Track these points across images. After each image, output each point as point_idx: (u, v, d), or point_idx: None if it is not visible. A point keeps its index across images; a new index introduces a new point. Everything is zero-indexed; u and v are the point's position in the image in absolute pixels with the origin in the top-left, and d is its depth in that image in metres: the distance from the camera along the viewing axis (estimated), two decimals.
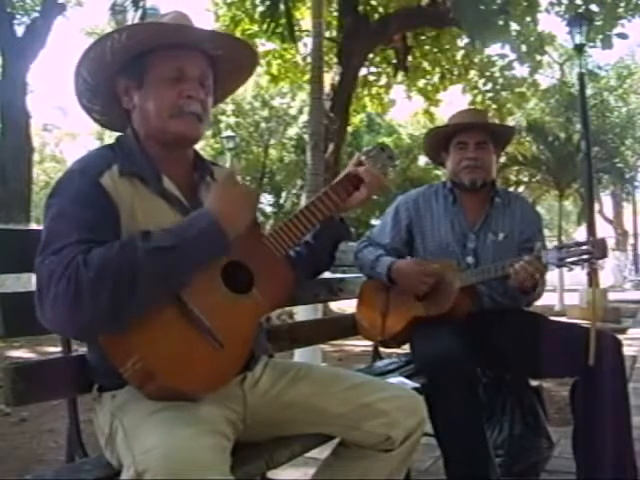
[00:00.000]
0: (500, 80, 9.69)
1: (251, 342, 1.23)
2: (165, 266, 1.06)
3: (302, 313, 3.75)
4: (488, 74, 9.67)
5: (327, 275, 2.27)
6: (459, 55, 9.56)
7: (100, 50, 1.20)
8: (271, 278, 1.26)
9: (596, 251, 1.65)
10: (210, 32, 1.30)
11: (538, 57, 8.78)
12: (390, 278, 1.97)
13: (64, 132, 29.86)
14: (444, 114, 13.43)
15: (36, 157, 18.25)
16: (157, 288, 1.06)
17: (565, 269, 1.75)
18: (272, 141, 19.98)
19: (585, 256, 1.66)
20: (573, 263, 1.69)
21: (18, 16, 12.36)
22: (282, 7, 5.86)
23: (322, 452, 1.39)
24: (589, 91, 14.78)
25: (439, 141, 2.12)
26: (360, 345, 5.31)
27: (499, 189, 2.12)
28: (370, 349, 2.38)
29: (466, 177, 2.02)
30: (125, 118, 1.28)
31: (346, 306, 5.08)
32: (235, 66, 1.35)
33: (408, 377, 1.84)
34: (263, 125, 19.57)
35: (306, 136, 5.91)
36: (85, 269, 1.00)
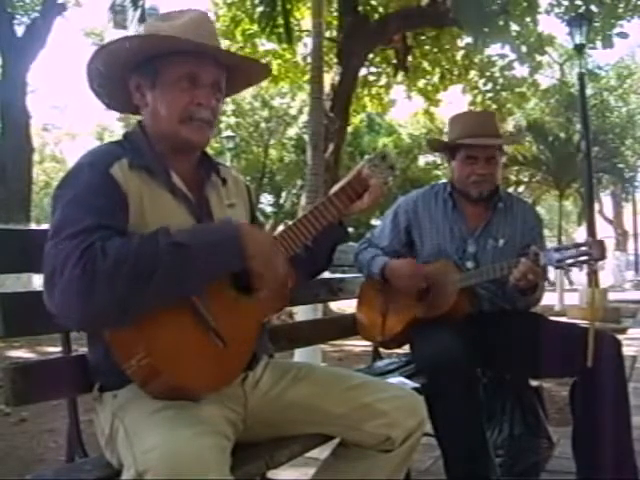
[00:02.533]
0: (500, 80, 9.68)
1: (254, 342, 1.23)
2: (180, 263, 1.06)
3: (302, 313, 3.74)
4: (488, 74, 9.66)
5: (327, 275, 2.27)
6: (459, 55, 9.54)
7: (112, 50, 1.21)
8: None
9: (594, 252, 1.65)
10: (225, 52, 1.30)
11: (538, 57, 8.76)
12: (384, 277, 1.98)
13: (64, 132, 29.86)
14: (444, 114, 13.43)
15: (36, 157, 18.22)
16: (170, 286, 1.06)
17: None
18: (272, 141, 19.93)
19: (583, 257, 1.66)
20: (571, 265, 1.68)
21: (18, 16, 12.39)
22: (280, 7, 5.86)
23: (322, 452, 1.39)
24: (589, 91, 14.77)
25: (446, 144, 2.11)
26: (360, 345, 5.31)
27: (501, 193, 2.08)
28: (370, 349, 2.38)
29: (474, 190, 2.00)
30: (131, 106, 1.29)
31: (346, 306, 5.07)
32: (247, 77, 1.37)
33: (408, 377, 1.84)
34: (263, 125, 19.52)
35: (306, 136, 5.90)
36: (103, 258, 1.00)
